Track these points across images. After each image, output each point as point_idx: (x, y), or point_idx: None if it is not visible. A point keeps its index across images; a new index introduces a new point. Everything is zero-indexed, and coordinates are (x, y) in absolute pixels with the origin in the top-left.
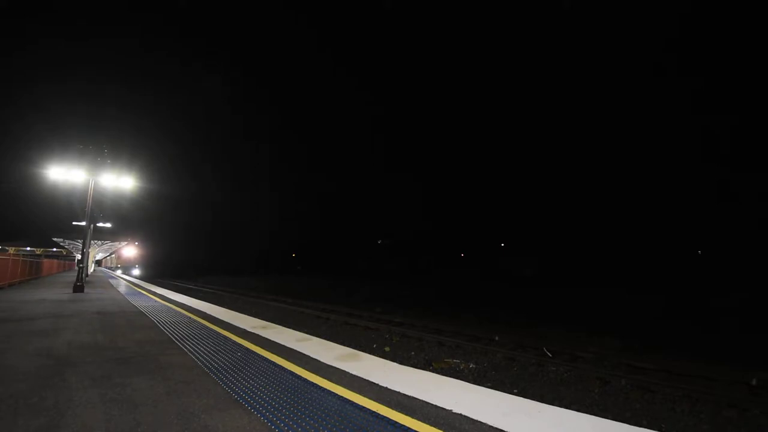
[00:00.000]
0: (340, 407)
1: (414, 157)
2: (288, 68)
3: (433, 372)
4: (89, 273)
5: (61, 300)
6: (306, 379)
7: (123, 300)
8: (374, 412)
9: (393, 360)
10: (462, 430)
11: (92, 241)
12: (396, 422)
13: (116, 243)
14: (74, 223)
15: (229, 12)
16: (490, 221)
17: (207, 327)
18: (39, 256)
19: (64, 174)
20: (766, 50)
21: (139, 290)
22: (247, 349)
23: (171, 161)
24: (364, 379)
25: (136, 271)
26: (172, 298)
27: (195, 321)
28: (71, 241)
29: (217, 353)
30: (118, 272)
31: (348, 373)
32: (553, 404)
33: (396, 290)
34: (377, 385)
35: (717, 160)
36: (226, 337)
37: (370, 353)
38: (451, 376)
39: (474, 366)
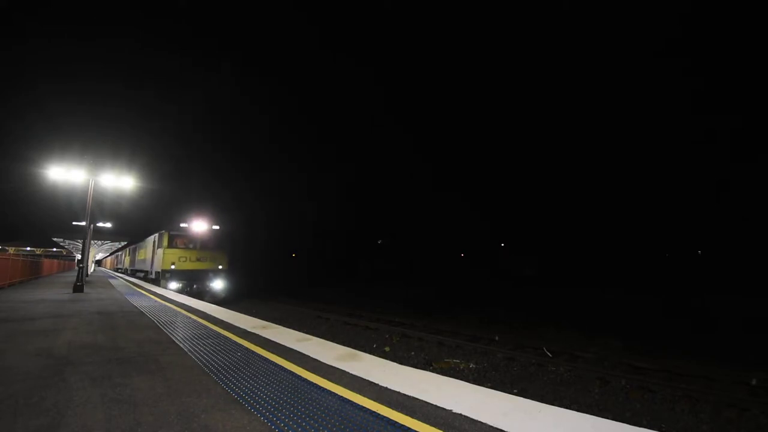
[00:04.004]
0: (340, 407)
1: (412, 155)
2: (291, 65)
3: (433, 372)
4: (89, 273)
5: (61, 300)
6: (306, 378)
7: (123, 300)
8: (374, 411)
9: (393, 360)
10: (462, 430)
11: (92, 241)
12: (396, 422)
13: (116, 243)
14: (74, 223)
15: (230, 10)
16: (490, 221)
17: (207, 327)
18: (39, 256)
19: (64, 174)
20: (767, 50)
21: (139, 290)
22: (247, 349)
23: (176, 161)
24: (364, 379)
25: (219, 284)
26: (172, 298)
27: (195, 321)
28: (71, 241)
29: (217, 353)
30: (173, 285)
31: (348, 372)
32: (553, 404)
33: (396, 290)
34: (377, 384)
35: (717, 161)
36: (226, 337)
37: (370, 353)
38: (451, 376)
39: (474, 366)
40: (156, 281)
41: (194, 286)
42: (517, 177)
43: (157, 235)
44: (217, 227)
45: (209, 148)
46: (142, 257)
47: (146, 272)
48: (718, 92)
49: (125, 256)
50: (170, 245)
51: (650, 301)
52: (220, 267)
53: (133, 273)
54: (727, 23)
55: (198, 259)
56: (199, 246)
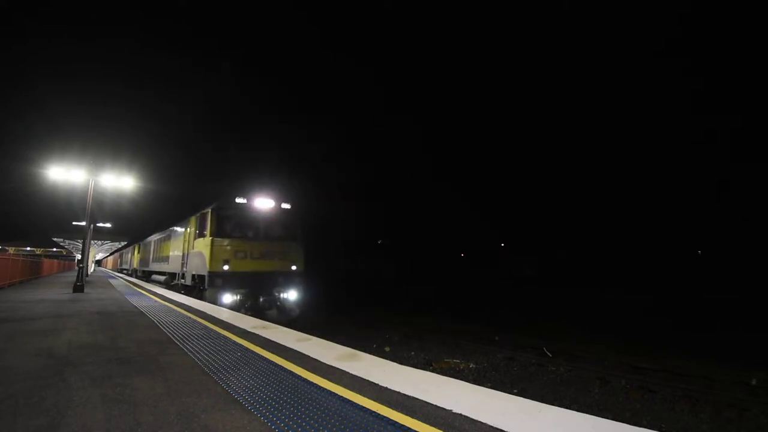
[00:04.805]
0: (339, 407)
1: (412, 155)
2: (291, 65)
3: (433, 372)
4: (89, 273)
5: (61, 300)
6: (306, 378)
7: (123, 300)
8: (374, 411)
9: (393, 360)
10: (462, 430)
11: (92, 241)
12: (396, 422)
13: (116, 243)
14: (74, 223)
15: (230, 10)
16: (490, 221)
17: (207, 327)
18: (39, 256)
19: (64, 174)
20: (767, 50)
21: (139, 290)
22: (246, 348)
23: (176, 161)
24: (364, 379)
25: (292, 294)
26: (172, 298)
27: (195, 321)
28: (71, 241)
29: (217, 353)
30: (226, 298)
31: (348, 372)
32: (553, 404)
33: (396, 290)
34: (377, 384)
35: (717, 161)
36: (226, 337)
37: (369, 353)
38: (451, 376)
39: (474, 366)
40: (192, 290)
41: (260, 299)
42: (517, 177)
43: (196, 216)
44: (287, 206)
45: (209, 147)
46: (165, 253)
47: (170, 275)
48: (718, 92)
49: (132, 254)
50: (220, 232)
51: (651, 301)
52: (294, 268)
53: (147, 276)
54: (727, 23)
55: (263, 255)
56: (264, 234)
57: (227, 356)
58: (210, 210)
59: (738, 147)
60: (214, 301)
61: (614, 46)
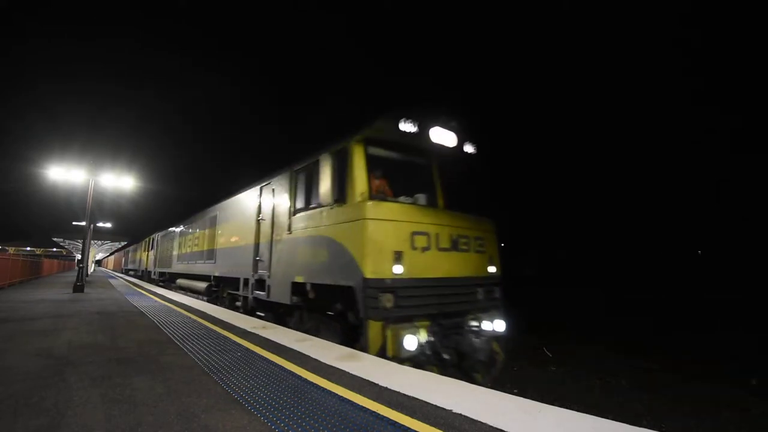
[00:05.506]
0: (339, 407)
1: None
2: (291, 65)
3: (433, 372)
4: (89, 273)
5: (61, 300)
6: (306, 378)
7: (123, 300)
8: (374, 412)
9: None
10: (462, 430)
11: (92, 241)
12: (396, 422)
13: (116, 243)
14: (74, 223)
15: (230, 10)
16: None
17: (207, 327)
18: (39, 256)
19: (64, 174)
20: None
21: (139, 290)
22: (246, 348)
23: (175, 160)
24: (364, 379)
25: (499, 324)
26: (172, 298)
27: (195, 321)
28: (71, 241)
29: (217, 353)
30: (411, 343)
31: (348, 372)
32: (553, 404)
33: None
34: (377, 385)
35: (717, 160)
36: (225, 337)
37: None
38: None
39: None
40: (282, 315)
41: (467, 339)
42: (516, 177)
43: (306, 164)
44: (472, 149)
45: (212, 148)
46: (208, 245)
47: (220, 282)
48: (718, 92)
49: (145, 251)
50: (378, 192)
51: (651, 301)
52: (493, 270)
53: (167, 281)
54: (727, 23)
55: (455, 244)
56: (449, 201)
57: (227, 356)
58: (354, 143)
59: (738, 146)
60: (383, 350)
61: (614, 47)
